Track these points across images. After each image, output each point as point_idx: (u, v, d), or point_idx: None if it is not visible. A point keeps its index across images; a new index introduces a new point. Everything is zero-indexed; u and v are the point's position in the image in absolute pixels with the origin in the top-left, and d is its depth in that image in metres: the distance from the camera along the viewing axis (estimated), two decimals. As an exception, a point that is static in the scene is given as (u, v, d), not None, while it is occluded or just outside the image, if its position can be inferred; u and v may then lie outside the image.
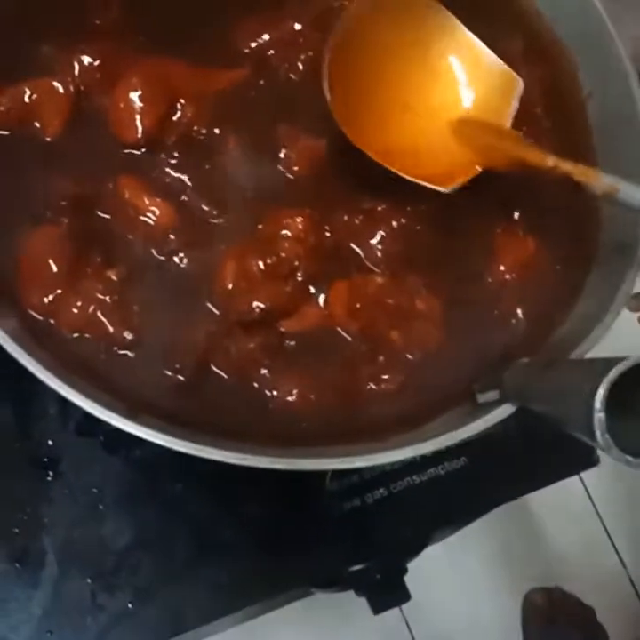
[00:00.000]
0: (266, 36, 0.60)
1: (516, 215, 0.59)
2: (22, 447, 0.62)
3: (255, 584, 0.64)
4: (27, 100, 0.53)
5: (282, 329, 0.53)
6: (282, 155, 0.57)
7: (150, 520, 0.63)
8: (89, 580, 0.60)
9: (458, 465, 0.68)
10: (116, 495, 0.63)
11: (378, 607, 0.68)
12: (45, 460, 0.63)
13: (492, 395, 0.50)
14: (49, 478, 0.62)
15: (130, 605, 0.60)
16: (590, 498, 1.44)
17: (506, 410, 0.49)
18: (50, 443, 0.63)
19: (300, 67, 0.60)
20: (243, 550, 0.64)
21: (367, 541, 0.67)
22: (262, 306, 0.52)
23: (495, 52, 0.60)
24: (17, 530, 0.61)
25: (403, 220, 0.55)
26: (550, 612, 1.43)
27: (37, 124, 0.54)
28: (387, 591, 0.68)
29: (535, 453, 0.71)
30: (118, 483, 0.63)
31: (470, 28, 0.60)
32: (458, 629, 1.31)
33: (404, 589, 0.69)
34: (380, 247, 0.55)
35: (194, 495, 0.64)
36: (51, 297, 0.50)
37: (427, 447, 0.47)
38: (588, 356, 0.50)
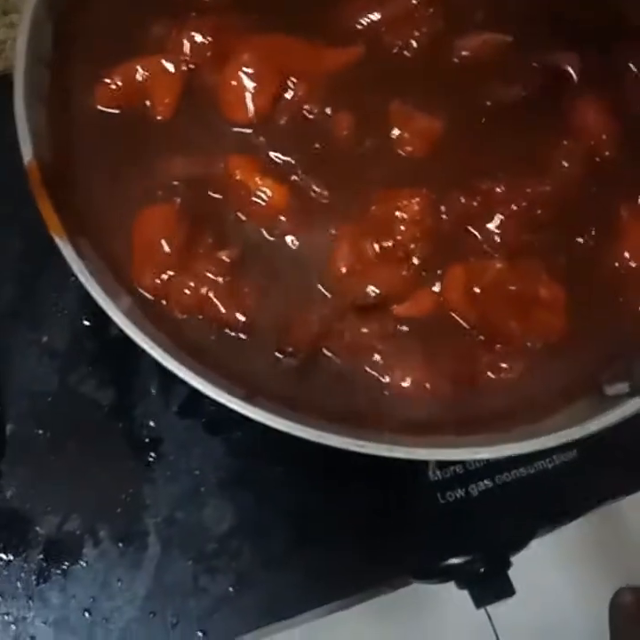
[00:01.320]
0: (377, 14, 0.58)
1: (640, 200, 0.56)
2: (125, 427, 0.62)
3: (355, 573, 0.63)
4: (139, 78, 0.53)
5: (396, 313, 0.51)
6: (395, 134, 0.54)
7: (251, 504, 0.62)
8: (190, 563, 0.60)
9: (568, 458, 0.65)
10: (217, 478, 0.62)
11: (480, 601, 0.66)
12: (147, 440, 0.62)
13: (622, 387, 0.48)
14: (151, 459, 0.62)
15: (231, 589, 0.60)
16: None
17: (636, 403, 0.46)
18: (151, 423, 0.63)
19: (414, 44, 0.58)
20: (343, 539, 0.63)
21: (471, 533, 0.65)
22: (377, 290, 0.50)
23: (624, 27, 0.57)
24: (119, 510, 0.61)
25: (523, 203, 0.53)
26: (639, 612, 1.39)
27: (148, 103, 0.54)
28: (490, 585, 0.66)
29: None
30: (219, 465, 0.62)
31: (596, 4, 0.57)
32: (543, 627, 1.28)
33: (509, 584, 0.67)
34: (498, 231, 0.53)
35: (294, 480, 0.63)
36: (163, 277, 0.50)
37: (555, 439, 0.45)
38: None
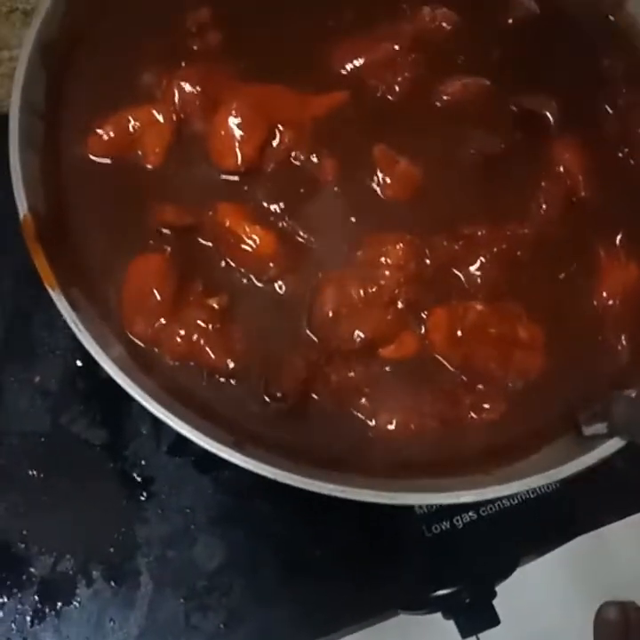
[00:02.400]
0: (362, 58, 0.59)
1: (618, 239, 0.58)
2: (116, 467, 0.63)
3: (345, 608, 0.64)
4: (130, 128, 0.54)
5: (382, 356, 0.52)
6: (379, 179, 0.56)
7: (240, 541, 0.63)
8: (182, 601, 0.61)
9: (550, 488, 0.67)
10: (207, 516, 0.63)
11: (466, 631, 0.67)
12: (139, 479, 0.63)
13: (600, 427, 0.49)
14: (142, 498, 0.63)
15: (222, 626, 0.60)
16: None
17: (615, 444, 0.48)
18: (143, 463, 0.64)
19: (397, 88, 0.59)
20: (332, 573, 0.64)
21: (457, 565, 0.66)
22: (363, 335, 0.51)
23: (597, 70, 0.59)
24: (112, 549, 0.61)
25: (503, 245, 0.54)
26: (623, 627, 1.40)
27: (140, 152, 0.55)
28: (476, 615, 0.67)
29: (631, 476, 0.69)
30: (209, 503, 0.63)
31: (571, 47, 0.59)
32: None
33: (494, 613, 0.68)
34: (479, 273, 0.54)
35: (283, 516, 0.64)
36: (155, 325, 0.51)
37: (535, 481, 0.47)
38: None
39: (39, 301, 0.67)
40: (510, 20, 0.63)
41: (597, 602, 1.40)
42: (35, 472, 0.62)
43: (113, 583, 0.61)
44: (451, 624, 0.69)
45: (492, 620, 0.68)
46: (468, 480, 0.48)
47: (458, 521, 0.66)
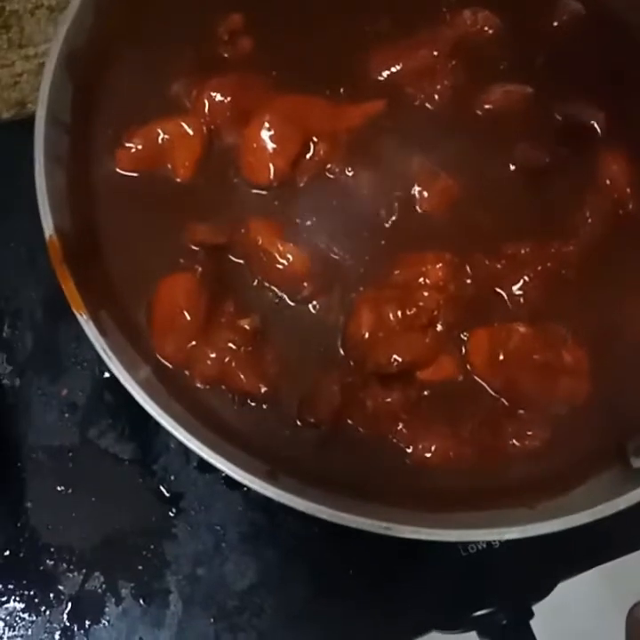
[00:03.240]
0: (399, 66, 0.57)
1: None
2: (145, 482, 0.62)
3: (376, 626, 0.62)
4: (159, 141, 0.52)
5: (420, 380, 0.51)
6: (417, 194, 0.54)
7: (271, 560, 0.62)
8: (212, 620, 0.60)
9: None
10: (237, 533, 0.62)
11: (502, 653, 0.65)
12: (168, 495, 0.62)
13: (649, 460, 0.47)
14: (172, 514, 0.62)
15: (252, 647, 0.59)
16: None
17: (664, 478, 0.45)
18: (172, 478, 0.63)
19: (436, 97, 0.57)
20: (364, 592, 0.62)
21: (493, 585, 0.65)
22: (400, 359, 0.49)
23: None
24: (141, 567, 0.60)
25: (548, 264, 0.52)
26: (656, 625, 1.38)
27: (169, 166, 0.53)
28: (512, 635, 0.66)
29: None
30: (240, 520, 0.62)
31: (618, 54, 0.56)
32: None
33: (531, 634, 0.66)
34: (522, 293, 0.52)
35: (314, 535, 0.63)
36: (185, 347, 0.49)
37: (580, 519, 0.45)
38: None
39: (67, 312, 0.66)
40: (555, 23, 0.60)
41: (631, 602, 1.38)
42: (63, 487, 0.62)
43: (142, 601, 0.60)
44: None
45: (529, 641, 0.66)
46: (510, 514, 0.46)
47: (495, 541, 0.65)
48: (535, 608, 0.68)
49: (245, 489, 0.63)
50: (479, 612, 0.64)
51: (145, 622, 0.59)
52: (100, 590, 0.60)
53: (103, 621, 0.59)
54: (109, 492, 0.62)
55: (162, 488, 0.63)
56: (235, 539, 0.62)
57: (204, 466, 0.64)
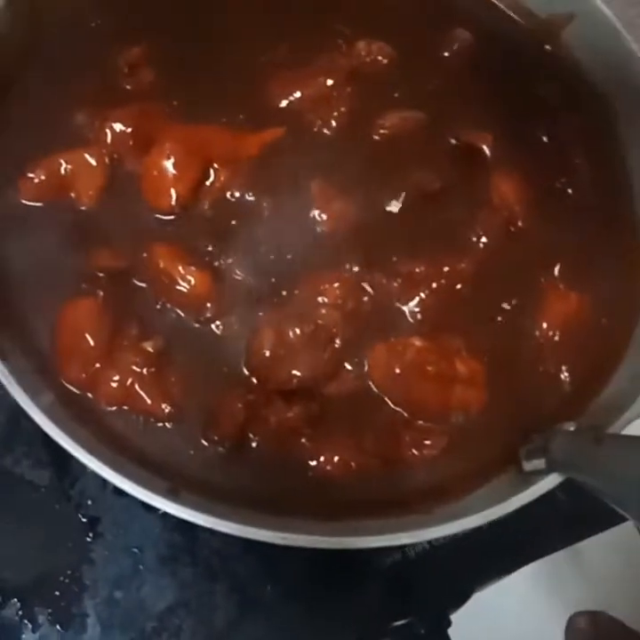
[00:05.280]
0: (297, 94, 0.59)
1: (557, 269, 0.58)
2: (62, 508, 0.62)
3: (297, 643, 0.63)
4: (62, 171, 0.53)
5: (321, 395, 0.52)
6: (316, 217, 0.56)
7: (190, 580, 0.62)
8: (131, 643, 0.60)
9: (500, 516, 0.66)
10: (155, 555, 0.62)
11: (422, 662, 0.67)
12: (85, 520, 0.62)
13: (539, 463, 0.49)
14: (89, 539, 0.62)
15: (172, 668, 0.60)
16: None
17: (553, 480, 0.48)
18: (89, 502, 0.63)
19: (334, 123, 0.59)
20: (283, 608, 0.63)
21: (409, 595, 0.66)
22: (300, 374, 0.51)
23: (533, 99, 0.59)
24: (58, 592, 0.60)
25: (443, 281, 0.54)
26: (594, 635, 1.40)
27: (73, 194, 0.54)
28: (430, 645, 0.67)
29: (581, 501, 0.69)
30: (157, 542, 0.63)
31: (507, 78, 0.59)
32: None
33: (448, 642, 0.68)
34: (419, 309, 0.54)
35: (233, 553, 0.63)
36: (89, 371, 0.50)
37: (475, 521, 0.47)
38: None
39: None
40: (446, 54, 0.63)
41: (567, 613, 1.40)
42: (-23, 516, 0.61)
43: (59, 627, 0.60)
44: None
45: (447, 650, 0.68)
46: (409, 520, 0.48)
47: (410, 551, 0.66)
48: (457, 617, 0.70)
49: (162, 511, 0.64)
50: (397, 623, 0.65)
51: (62, 649, 0.59)
52: (16, 617, 0.59)
53: (20, 648, 0.59)
54: (26, 519, 0.62)
55: (79, 513, 0.63)
56: (153, 560, 0.62)
57: (120, 490, 0.64)
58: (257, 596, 0.63)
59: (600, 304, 0.58)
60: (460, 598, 0.69)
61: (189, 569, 0.63)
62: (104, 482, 0.63)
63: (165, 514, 0.63)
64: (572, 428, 0.50)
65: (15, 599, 0.60)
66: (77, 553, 0.62)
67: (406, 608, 0.66)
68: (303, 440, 0.52)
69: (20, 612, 0.60)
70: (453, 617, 0.70)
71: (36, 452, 0.64)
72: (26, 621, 0.60)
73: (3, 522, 0.62)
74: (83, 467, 0.63)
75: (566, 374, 0.56)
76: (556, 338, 0.57)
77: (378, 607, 0.66)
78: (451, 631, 0.69)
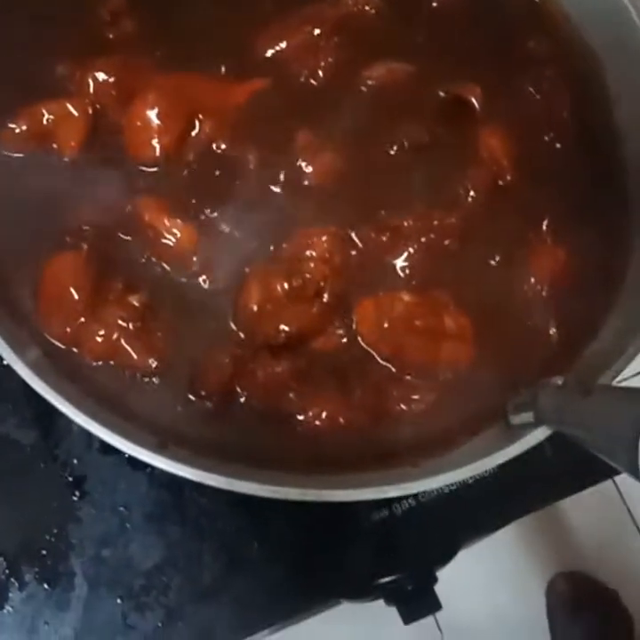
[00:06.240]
0: (283, 44, 0.58)
1: (545, 224, 0.57)
2: (48, 467, 0.62)
3: (284, 599, 0.63)
4: (44, 122, 0.52)
5: (309, 350, 0.52)
6: (302, 168, 0.55)
7: (177, 538, 0.62)
8: (119, 601, 0.60)
9: (487, 473, 0.66)
10: (142, 513, 0.62)
11: (408, 618, 0.67)
12: (71, 479, 0.62)
13: (526, 417, 0.49)
14: (75, 498, 0.62)
15: (160, 625, 0.60)
16: (615, 483, 1.43)
17: (541, 433, 0.48)
18: (75, 462, 0.62)
19: (320, 73, 0.58)
20: (271, 565, 0.63)
21: (396, 552, 0.66)
22: (288, 329, 0.51)
23: (522, 52, 0.58)
24: (45, 551, 0.60)
25: (431, 235, 0.54)
26: (574, 596, 1.42)
27: (55, 146, 0.53)
28: (417, 601, 0.67)
29: (566, 458, 0.69)
30: (144, 500, 0.62)
31: (496, 30, 0.58)
32: (485, 621, 1.30)
33: (435, 599, 0.68)
34: (407, 264, 0.54)
35: (219, 509, 0.63)
36: (73, 326, 0.49)
37: (461, 474, 0.47)
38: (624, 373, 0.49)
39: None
40: (434, 4, 0.62)
41: (550, 573, 1.42)
42: (-38, 475, 0.61)
43: (46, 585, 0.60)
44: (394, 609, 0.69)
45: (434, 606, 0.68)
46: (396, 473, 0.48)
47: (397, 508, 0.66)
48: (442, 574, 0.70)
49: (149, 469, 0.64)
50: (383, 580, 0.66)
51: (50, 606, 0.59)
52: (2, 576, 0.59)
53: (7, 607, 0.59)
54: (11, 478, 0.62)
55: (64, 472, 0.62)
56: (139, 519, 0.62)
57: (107, 448, 0.63)
58: (244, 553, 0.63)
59: (587, 259, 0.58)
60: (447, 555, 0.69)
61: (177, 527, 0.63)
62: (90, 440, 0.63)
63: (152, 472, 0.63)
64: (559, 382, 0.49)
65: (1, 558, 0.60)
66: (63, 512, 0.61)
67: (393, 565, 0.67)
68: (291, 395, 0.51)
69: (7, 571, 0.60)
70: (439, 574, 0.70)
71: (21, 411, 0.64)
72: (13, 580, 0.60)
73: (-12, 481, 0.61)
74: (68, 425, 0.64)
75: (554, 329, 0.56)
76: (544, 293, 0.56)
77: (365, 564, 0.66)
78: (437, 588, 0.69)
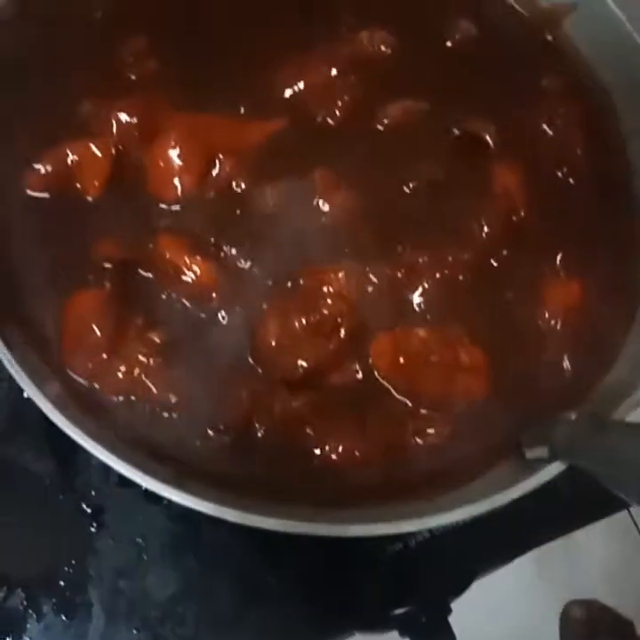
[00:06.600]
0: (301, 83, 0.59)
1: (559, 258, 0.58)
2: (66, 499, 0.63)
3: (298, 631, 0.64)
4: (68, 162, 0.53)
5: (326, 384, 0.52)
6: (319, 206, 0.56)
7: (194, 569, 0.63)
8: (135, 632, 0.60)
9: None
10: (159, 545, 0.63)
11: (423, 649, 0.67)
12: (89, 511, 0.63)
13: (541, 451, 0.49)
14: (93, 529, 0.62)
15: (176, 656, 0.60)
16: (630, 513, 1.43)
17: (556, 468, 0.48)
18: (93, 493, 0.63)
19: (337, 113, 0.59)
20: (286, 597, 0.64)
21: (411, 584, 0.67)
22: (306, 364, 0.51)
23: (535, 90, 0.60)
24: (63, 582, 0.61)
25: (446, 271, 0.55)
26: (589, 625, 1.41)
27: (78, 185, 0.54)
28: (431, 632, 0.68)
29: (582, 487, 0.69)
30: (161, 532, 0.63)
31: (510, 68, 0.59)
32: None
33: (449, 630, 0.68)
34: (422, 299, 0.54)
35: (235, 542, 0.64)
36: (95, 362, 0.50)
37: (477, 508, 0.47)
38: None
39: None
40: (449, 43, 0.63)
41: (563, 601, 1.41)
42: (-18, 507, 0.62)
43: (64, 617, 0.60)
44: (408, 640, 0.69)
45: (448, 637, 0.68)
46: (412, 508, 0.48)
47: (411, 541, 0.67)
48: (457, 604, 0.70)
49: (166, 501, 0.64)
50: (398, 611, 0.66)
51: (67, 637, 0.60)
52: (21, 607, 0.60)
53: (25, 638, 0.59)
54: (30, 509, 0.63)
55: (82, 504, 0.63)
56: (156, 550, 0.62)
57: (125, 480, 0.64)
58: (259, 584, 0.64)
59: (600, 292, 0.58)
60: (461, 586, 0.69)
61: (193, 559, 0.63)
62: (107, 472, 0.64)
63: (169, 504, 0.63)
64: (573, 417, 0.50)
65: (20, 589, 0.61)
66: (81, 543, 0.62)
67: (407, 596, 0.67)
68: (308, 429, 0.52)
69: (25, 602, 0.60)
70: (454, 604, 0.70)
71: (40, 443, 0.64)
72: (31, 611, 0.60)
73: (7, 512, 0.62)
74: (86, 457, 0.64)
75: (568, 362, 0.56)
76: (558, 326, 0.57)
77: (379, 595, 0.66)
78: (451, 618, 0.69)
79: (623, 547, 1.43)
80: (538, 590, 1.38)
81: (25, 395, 0.64)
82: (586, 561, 1.43)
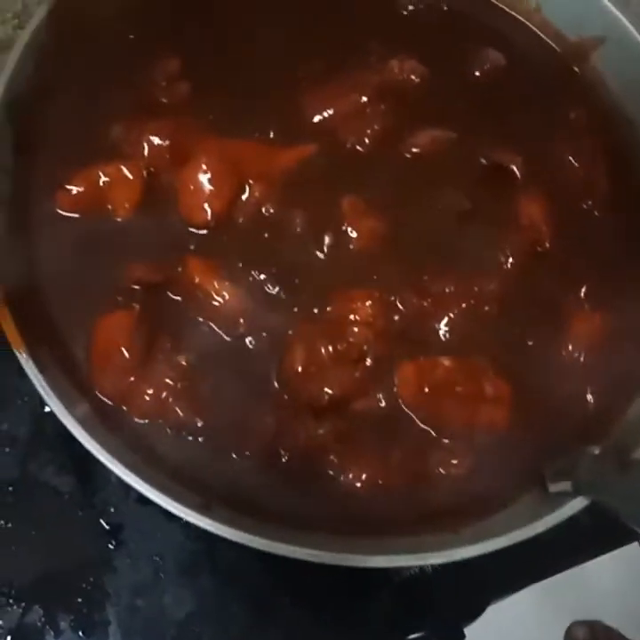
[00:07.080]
0: (331, 110, 0.60)
1: (583, 290, 0.58)
2: (85, 516, 0.63)
3: (314, 653, 0.64)
4: (100, 183, 0.54)
5: (350, 412, 0.53)
6: (347, 233, 0.56)
7: (209, 589, 0.63)
8: (151, 650, 0.60)
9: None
10: (176, 563, 0.63)
11: (435, 674, 0.67)
12: (108, 528, 0.63)
13: (564, 485, 0.50)
14: (111, 546, 0.62)
15: (191, 676, 0.60)
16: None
17: (580, 502, 0.48)
18: (112, 510, 0.63)
19: (366, 140, 0.60)
20: (300, 618, 0.64)
21: (425, 609, 0.67)
22: (331, 392, 0.52)
23: (562, 122, 0.60)
24: (80, 599, 0.61)
25: (472, 301, 0.55)
26: (593, 645, 1.40)
27: (109, 206, 0.55)
28: (444, 658, 0.68)
29: (600, 520, 0.69)
30: (179, 551, 0.63)
31: (537, 100, 0.60)
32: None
33: (463, 655, 0.68)
34: (447, 328, 0.55)
35: (251, 563, 0.64)
36: (123, 384, 0.51)
37: (502, 542, 0.47)
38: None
39: (7, 347, 0.66)
40: (477, 73, 0.64)
41: (566, 622, 1.40)
42: (2, 521, 0.62)
43: (81, 633, 0.60)
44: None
45: (461, 663, 0.68)
46: (435, 539, 0.48)
47: (428, 566, 0.67)
48: (470, 630, 0.70)
49: (184, 521, 0.64)
50: (412, 636, 0.66)
51: (84, 654, 0.60)
52: (39, 623, 0.60)
53: (42, 655, 0.59)
54: (49, 525, 0.63)
55: (101, 520, 0.63)
56: (173, 569, 0.63)
57: (143, 498, 0.64)
58: (273, 605, 0.64)
59: (624, 325, 0.58)
60: (475, 612, 0.69)
61: (209, 578, 0.63)
62: (127, 489, 0.64)
63: (187, 523, 0.64)
64: (596, 452, 0.50)
65: (38, 605, 0.61)
66: (99, 560, 0.62)
67: (421, 621, 0.67)
68: (332, 456, 0.52)
69: (43, 619, 0.61)
70: (467, 630, 0.71)
71: (61, 459, 0.65)
72: (48, 628, 0.60)
73: (26, 528, 0.63)
74: (106, 474, 0.65)
75: (591, 395, 0.56)
76: (582, 359, 0.57)
77: (393, 619, 0.66)
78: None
79: (629, 569, 1.43)
80: (547, 613, 1.37)
81: (46, 409, 0.65)
82: (593, 584, 1.43)
